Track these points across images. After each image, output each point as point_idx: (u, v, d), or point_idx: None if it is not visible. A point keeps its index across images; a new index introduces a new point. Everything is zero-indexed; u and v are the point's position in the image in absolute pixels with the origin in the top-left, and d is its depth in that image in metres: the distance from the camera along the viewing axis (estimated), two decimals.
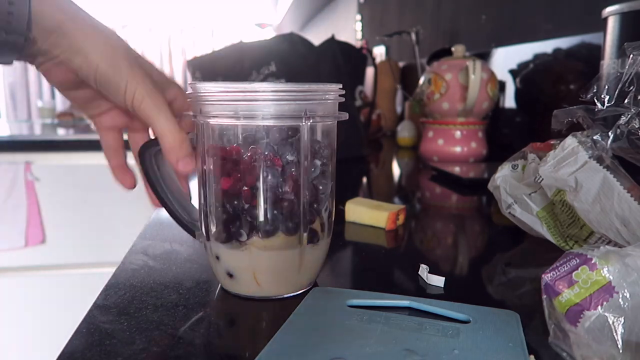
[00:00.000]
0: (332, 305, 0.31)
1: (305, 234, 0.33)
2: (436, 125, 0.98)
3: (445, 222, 0.59)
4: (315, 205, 0.34)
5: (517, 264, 0.43)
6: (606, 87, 0.49)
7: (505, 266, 0.42)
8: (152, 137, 0.36)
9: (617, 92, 0.36)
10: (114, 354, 0.26)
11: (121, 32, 4.90)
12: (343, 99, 0.34)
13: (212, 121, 0.32)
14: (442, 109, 0.95)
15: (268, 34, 4.58)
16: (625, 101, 0.36)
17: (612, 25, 0.53)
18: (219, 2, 4.83)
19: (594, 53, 0.82)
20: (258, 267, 0.33)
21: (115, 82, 0.33)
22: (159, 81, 0.36)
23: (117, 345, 0.27)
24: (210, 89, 0.31)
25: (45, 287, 1.55)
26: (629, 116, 0.36)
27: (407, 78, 1.58)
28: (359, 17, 2.60)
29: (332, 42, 1.03)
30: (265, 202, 0.32)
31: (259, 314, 0.33)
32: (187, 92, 0.35)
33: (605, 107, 0.37)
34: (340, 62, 1.02)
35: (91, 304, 0.32)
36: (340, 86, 0.33)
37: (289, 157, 0.31)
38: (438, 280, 0.37)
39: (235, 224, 0.32)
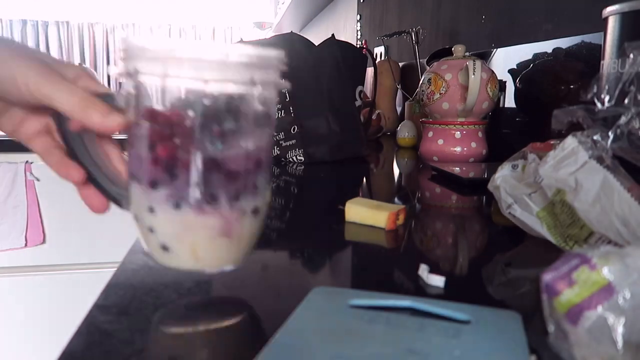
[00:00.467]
0: (333, 305, 0.31)
1: (247, 206, 0.32)
2: (436, 125, 0.98)
3: (445, 222, 0.59)
4: (256, 176, 0.32)
5: (517, 264, 0.43)
6: (606, 87, 0.49)
7: (505, 266, 0.42)
8: None
9: (617, 92, 0.36)
10: (114, 354, 0.26)
11: (121, 32, 4.90)
12: (285, 68, 0.32)
13: (149, 80, 0.29)
14: (442, 109, 0.95)
15: (268, 34, 4.58)
16: (625, 101, 0.36)
17: (612, 25, 0.53)
18: (218, 2, 4.83)
19: (594, 53, 0.82)
20: (197, 240, 0.31)
21: (6, 77, 0.31)
22: (55, 65, 0.33)
23: (117, 345, 0.27)
24: (153, 44, 0.29)
25: (45, 287, 1.55)
26: (629, 116, 0.36)
27: (407, 78, 1.58)
28: (359, 17, 2.60)
29: (332, 42, 1.03)
30: (206, 170, 0.30)
31: (258, 314, 0.33)
32: (120, 48, 0.31)
33: (605, 107, 0.37)
34: (340, 62, 1.02)
35: (91, 304, 0.32)
36: (284, 54, 0.32)
37: (229, 125, 0.30)
38: (438, 280, 0.37)
39: (171, 193, 0.31)
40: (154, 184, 0.30)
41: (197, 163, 0.30)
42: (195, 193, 0.30)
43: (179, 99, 0.29)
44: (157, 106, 0.29)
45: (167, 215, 0.31)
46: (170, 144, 0.30)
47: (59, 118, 0.34)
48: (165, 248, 0.32)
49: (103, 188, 0.35)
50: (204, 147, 0.29)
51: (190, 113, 0.29)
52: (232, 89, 0.29)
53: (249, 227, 0.33)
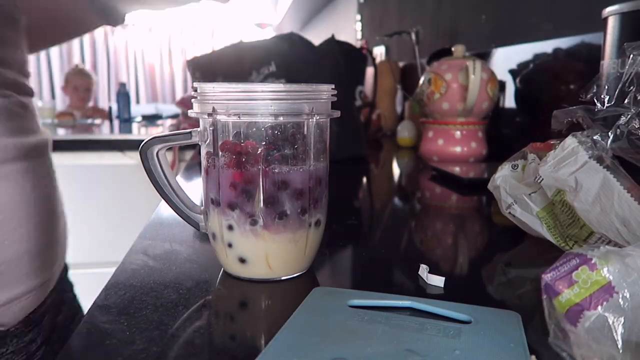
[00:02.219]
0: (333, 305, 0.31)
1: (311, 219, 0.37)
2: (436, 125, 0.98)
3: (445, 222, 0.59)
4: (317, 192, 0.37)
5: (517, 264, 0.43)
6: (606, 87, 0.49)
7: (505, 266, 0.42)
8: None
9: (617, 92, 0.36)
10: (114, 354, 0.26)
11: (121, 32, 4.90)
12: (335, 99, 0.38)
13: (226, 119, 0.34)
14: (442, 109, 0.95)
15: (268, 34, 4.58)
16: (625, 101, 0.36)
17: (612, 25, 0.53)
18: (218, 2, 4.83)
19: (594, 53, 0.82)
20: (270, 251, 0.36)
21: None
22: None
23: (117, 345, 0.27)
24: (223, 89, 0.34)
25: None
26: (629, 116, 0.36)
27: (407, 78, 1.58)
28: (359, 17, 2.60)
29: (332, 42, 1.03)
30: (275, 190, 0.35)
31: (259, 314, 0.33)
32: (192, 93, 0.37)
33: (605, 107, 0.37)
34: (340, 62, 1.02)
35: (91, 304, 0.32)
36: (333, 86, 0.37)
37: (292, 150, 0.35)
38: (438, 280, 0.37)
39: (250, 213, 0.35)
40: (232, 206, 0.36)
41: (267, 185, 0.35)
42: (267, 211, 0.35)
43: (249, 131, 0.34)
44: (232, 139, 0.35)
45: (244, 232, 0.36)
46: (244, 171, 0.35)
47: (148, 141, 0.38)
48: (242, 260, 0.37)
49: (180, 211, 0.41)
50: (272, 171, 0.35)
51: (260, 143, 0.34)
52: (294, 119, 0.35)
53: (313, 237, 0.38)
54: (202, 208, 0.40)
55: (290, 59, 0.94)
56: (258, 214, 0.35)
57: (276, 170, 0.35)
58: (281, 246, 0.36)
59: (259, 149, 0.34)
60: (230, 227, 0.36)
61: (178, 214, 0.40)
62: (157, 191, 0.40)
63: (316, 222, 0.38)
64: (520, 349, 0.26)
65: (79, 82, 2.82)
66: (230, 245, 0.36)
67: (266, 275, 0.37)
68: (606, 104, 0.37)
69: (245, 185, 0.35)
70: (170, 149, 0.41)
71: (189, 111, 0.37)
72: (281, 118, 0.34)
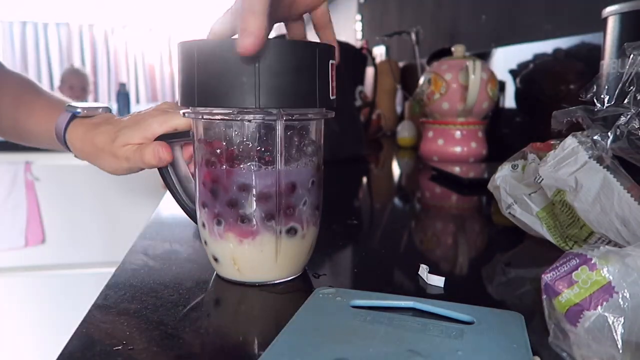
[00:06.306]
0: (335, 305, 0.31)
1: (280, 226, 0.35)
2: (436, 125, 0.97)
3: (445, 222, 0.59)
4: (291, 199, 0.35)
5: (517, 264, 0.43)
6: (606, 87, 0.49)
7: (505, 266, 0.42)
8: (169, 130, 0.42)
9: (617, 92, 0.36)
10: (114, 354, 0.26)
11: (121, 32, 4.90)
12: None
13: (200, 117, 0.35)
14: (442, 109, 0.95)
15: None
16: (625, 101, 0.36)
17: (612, 25, 0.53)
18: (219, 2, 4.83)
19: (594, 53, 0.82)
20: (236, 254, 0.35)
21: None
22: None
23: (117, 345, 0.27)
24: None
25: (45, 287, 1.55)
26: (629, 116, 0.36)
27: (407, 78, 1.57)
28: (359, 17, 2.60)
29: None
30: (240, 192, 0.34)
31: (259, 313, 0.33)
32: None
33: (605, 107, 0.37)
34: (340, 62, 1.02)
35: (91, 304, 0.32)
36: None
37: (263, 152, 0.33)
38: (438, 281, 0.36)
39: (216, 213, 0.35)
40: (203, 204, 0.36)
41: (232, 187, 0.34)
42: (230, 213, 0.34)
43: (219, 130, 0.34)
44: (204, 137, 0.35)
45: (212, 231, 0.36)
46: (213, 170, 0.35)
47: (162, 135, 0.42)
48: (215, 259, 0.37)
49: (183, 204, 0.42)
50: (239, 173, 0.34)
51: (226, 143, 0.34)
52: (262, 120, 0.33)
53: (287, 246, 0.35)
54: None
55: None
56: (222, 215, 0.35)
57: (240, 172, 0.34)
58: (246, 251, 0.35)
59: (222, 150, 0.34)
60: (203, 225, 0.36)
61: (178, 204, 0.42)
62: (164, 181, 0.42)
63: (289, 231, 0.35)
64: (523, 350, 0.26)
65: (74, 82, 2.82)
66: (206, 243, 0.37)
67: (237, 278, 0.36)
68: (606, 104, 0.37)
69: (212, 184, 0.35)
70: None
71: (181, 110, 0.38)
72: (248, 118, 0.33)
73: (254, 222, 0.34)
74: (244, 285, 0.36)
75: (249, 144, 0.33)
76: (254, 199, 0.34)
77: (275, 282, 0.36)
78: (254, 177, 0.33)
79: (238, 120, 0.33)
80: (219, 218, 0.35)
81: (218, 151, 0.34)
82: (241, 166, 0.33)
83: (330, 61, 0.35)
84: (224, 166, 0.34)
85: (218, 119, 0.34)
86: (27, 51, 4.66)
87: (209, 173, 0.35)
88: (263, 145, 0.33)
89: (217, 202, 0.35)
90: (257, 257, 0.35)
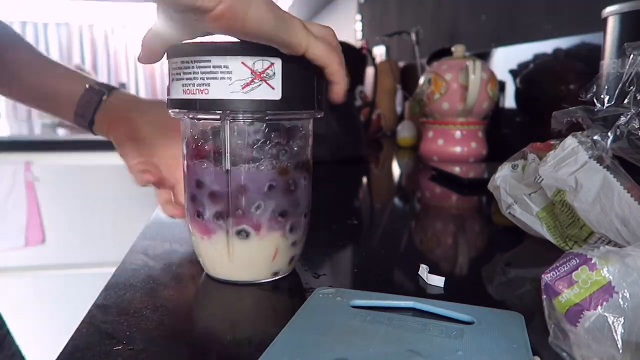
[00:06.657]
0: (335, 305, 0.31)
1: (229, 227, 0.35)
2: (436, 125, 0.97)
3: (445, 222, 0.59)
4: (245, 200, 0.34)
5: (517, 264, 0.43)
6: (606, 87, 0.49)
7: (505, 266, 0.42)
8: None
9: (617, 92, 0.36)
10: (114, 354, 0.26)
11: (121, 32, 4.90)
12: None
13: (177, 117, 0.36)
14: (442, 109, 0.95)
15: None
16: (625, 101, 0.36)
17: (612, 25, 0.53)
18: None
19: (594, 53, 0.82)
20: (200, 250, 0.37)
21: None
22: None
23: (117, 345, 0.27)
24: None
25: (45, 287, 1.55)
26: (629, 116, 0.36)
27: (407, 78, 1.57)
28: (359, 17, 2.60)
29: None
30: (195, 188, 0.36)
31: (259, 314, 0.33)
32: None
33: (605, 107, 0.37)
34: None
35: (91, 304, 0.32)
36: None
37: (214, 152, 0.34)
38: (438, 281, 0.36)
39: (186, 207, 0.37)
40: (190, 197, 0.37)
41: (190, 182, 0.36)
42: (190, 207, 0.36)
43: (186, 129, 0.36)
44: (184, 134, 0.36)
45: (186, 224, 0.38)
46: (184, 164, 0.37)
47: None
48: (198, 254, 0.38)
49: None
50: (194, 170, 0.35)
51: (192, 141, 0.35)
52: (213, 120, 0.34)
53: (241, 249, 0.35)
54: None
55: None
56: (189, 209, 0.37)
57: (195, 169, 0.35)
58: (203, 246, 0.36)
59: (189, 147, 0.36)
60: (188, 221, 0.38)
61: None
62: None
63: (240, 232, 0.35)
64: (523, 350, 0.26)
65: None
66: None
67: (214, 274, 0.37)
68: (606, 104, 0.37)
69: (184, 180, 0.37)
70: None
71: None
72: (198, 117, 0.34)
73: (206, 219, 0.35)
74: (237, 284, 0.36)
75: (203, 143, 0.35)
76: (206, 196, 0.35)
77: (239, 281, 0.36)
78: (205, 175, 0.35)
79: (191, 119, 0.35)
80: (188, 211, 0.37)
81: (185, 148, 0.36)
82: (197, 163, 0.35)
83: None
84: (187, 162, 0.36)
85: (178, 117, 0.36)
86: None
87: (185, 167, 0.37)
88: (216, 145, 0.34)
89: (186, 196, 0.37)
90: (213, 254, 0.36)
